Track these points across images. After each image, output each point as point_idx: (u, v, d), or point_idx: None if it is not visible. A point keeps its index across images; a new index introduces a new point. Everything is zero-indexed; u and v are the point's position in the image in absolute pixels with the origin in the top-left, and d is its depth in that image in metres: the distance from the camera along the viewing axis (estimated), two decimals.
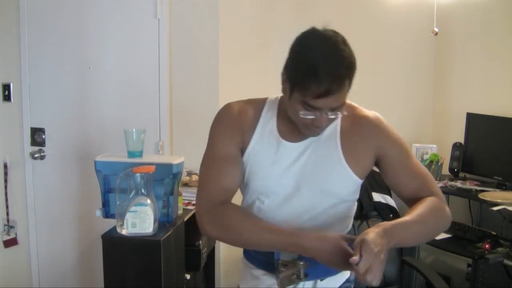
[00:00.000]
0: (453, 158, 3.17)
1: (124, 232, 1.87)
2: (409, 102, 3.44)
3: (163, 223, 2.02)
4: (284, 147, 1.38)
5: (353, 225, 1.52)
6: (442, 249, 2.86)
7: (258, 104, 1.45)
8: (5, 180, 2.92)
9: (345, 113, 1.30)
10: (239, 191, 1.47)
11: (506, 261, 2.50)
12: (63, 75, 2.91)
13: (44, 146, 2.96)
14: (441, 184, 2.98)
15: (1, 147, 2.93)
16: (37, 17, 2.87)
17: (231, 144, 1.39)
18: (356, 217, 1.53)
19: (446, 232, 2.77)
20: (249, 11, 2.99)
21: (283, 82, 1.31)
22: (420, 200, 1.36)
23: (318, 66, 1.19)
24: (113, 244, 1.93)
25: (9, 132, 2.96)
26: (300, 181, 1.37)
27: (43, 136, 2.95)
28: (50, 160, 2.97)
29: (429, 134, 3.49)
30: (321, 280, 1.42)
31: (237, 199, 1.43)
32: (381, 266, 1.13)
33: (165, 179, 2.02)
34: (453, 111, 3.34)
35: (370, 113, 1.43)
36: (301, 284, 1.34)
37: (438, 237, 2.55)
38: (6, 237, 2.94)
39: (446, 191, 2.93)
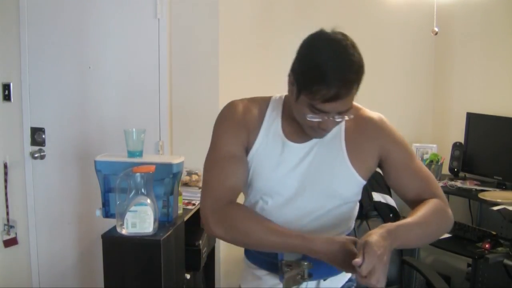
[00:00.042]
0: (453, 158, 3.17)
1: (124, 232, 1.87)
2: (409, 102, 3.44)
3: (163, 223, 2.02)
4: (289, 147, 1.37)
5: None
6: (442, 249, 2.86)
7: (262, 103, 1.43)
8: (5, 180, 2.92)
9: (352, 116, 1.29)
10: None
11: (506, 261, 2.50)
12: (63, 75, 2.91)
13: (44, 146, 2.96)
14: (441, 184, 2.98)
15: (1, 147, 2.93)
16: (37, 17, 2.87)
17: (236, 143, 1.38)
18: (356, 217, 1.53)
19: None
20: (249, 11, 2.99)
21: (290, 84, 1.30)
22: (423, 202, 1.36)
23: (328, 71, 1.18)
24: (113, 244, 1.93)
25: (9, 132, 2.96)
26: (305, 183, 1.37)
27: (43, 136, 2.95)
28: (50, 160, 2.97)
29: (429, 134, 3.49)
30: (324, 280, 1.42)
31: (238, 198, 1.43)
32: (385, 268, 1.13)
33: (165, 179, 2.02)
34: (453, 111, 3.34)
35: (374, 114, 1.43)
36: (304, 284, 1.34)
37: None
38: (6, 237, 2.94)
39: (446, 191, 2.93)
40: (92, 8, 2.84)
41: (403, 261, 2.45)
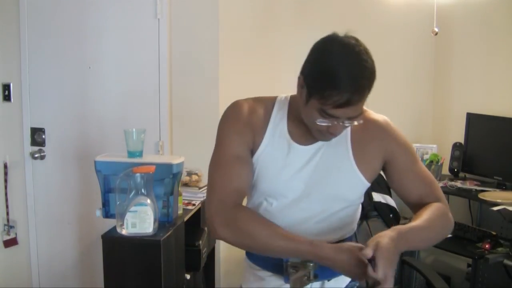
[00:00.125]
0: (453, 158, 3.17)
1: (124, 232, 1.87)
2: (409, 102, 3.44)
3: (163, 223, 2.01)
4: (294, 150, 1.36)
5: None
6: (442, 249, 2.86)
7: (267, 104, 1.41)
8: (5, 180, 2.92)
9: (361, 121, 1.27)
10: None
11: (506, 261, 2.50)
12: (63, 75, 2.91)
13: (44, 146, 2.96)
14: (441, 184, 2.98)
15: (1, 147, 2.93)
16: (37, 17, 2.87)
17: (242, 143, 1.36)
18: None
19: None
20: (249, 11, 2.99)
21: (299, 86, 1.28)
22: (426, 205, 1.37)
23: (340, 77, 1.17)
24: (113, 244, 1.93)
25: (9, 132, 2.96)
26: (310, 185, 1.36)
27: (43, 136, 2.95)
28: (50, 160, 2.97)
29: (429, 134, 3.49)
30: (328, 280, 1.42)
31: None
32: (393, 270, 1.15)
33: (165, 179, 2.01)
34: (453, 111, 3.34)
35: (379, 116, 1.43)
36: (309, 285, 1.34)
37: None
38: (6, 237, 2.94)
39: (446, 191, 2.93)
40: (92, 8, 2.84)
41: (403, 261, 2.45)
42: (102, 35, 2.86)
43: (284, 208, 1.38)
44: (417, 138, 3.36)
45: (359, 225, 2.72)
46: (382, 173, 1.46)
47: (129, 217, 1.84)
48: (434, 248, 2.97)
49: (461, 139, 3.16)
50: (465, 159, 3.13)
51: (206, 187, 2.49)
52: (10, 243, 2.96)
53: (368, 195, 2.70)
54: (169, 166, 2.02)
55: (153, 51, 2.82)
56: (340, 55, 1.20)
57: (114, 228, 1.91)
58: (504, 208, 2.57)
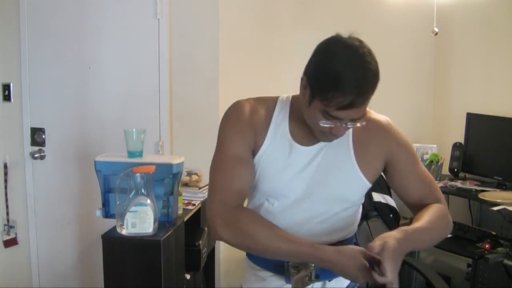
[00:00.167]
0: (453, 158, 3.17)
1: (124, 232, 1.87)
2: (409, 102, 3.44)
3: (163, 223, 2.01)
4: (296, 150, 1.36)
5: None
6: (442, 249, 2.86)
7: (269, 104, 1.41)
8: (5, 180, 2.92)
9: (364, 123, 1.27)
10: None
11: (506, 261, 2.50)
12: (63, 75, 2.91)
13: (44, 146, 2.96)
14: (441, 184, 2.98)
15: (1, 147, 2.93)
16: (37, 17, 2.87)
17: (243, 144, 1.35)
18: None
19: None
20: (249, 10, 2.99)
21: (302, 87, 1.27)
22: (427, 206, 1.38)
23: (344, 79, 1.17)
24: (113, 244, 1.92)
25: (9, 132, 2.96)
26: (312, 186, 1.36)
27: (43, 136, 2.95)
28: (50, 160, 2.97)
29: (429, 134, 3.49)
30: (329, 281, 1.42)
31: None
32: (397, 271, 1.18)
33: (165, 179, 2.01)
34: (453, 111, 3.34)
35: (381, 117, 1.43)
36: (310, 285, 1.34)
37: None
38: (6, 237, 2.94)
39: (446, 191, 2.93)
40: (92, 8, 2.84)
41: (403, 261, 2.45)
42: (102, 35, 2.86)
43: (285, 209, 1.38)
44: (417, 138, 3.36)
45: (359, 225, 2.71)
46: (382, 173, 1.46)
47: (129, 217, 1.84)
48: (434, 248, 2.97)
49: (461, 139, 3.16)
50: (465, 159, 3.13)
51: (206, 187, 2.50)
52: (10, 243, 2.96)
53: (368, 195, 2.69)
54: (169, 166, 2.02)
55: (153, 51, 2.82)
56: (344, 57, 1.19)
57: (114, 228, 1.91)
58: (504, 208, 2.57)
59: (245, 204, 1.44)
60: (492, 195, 2.77)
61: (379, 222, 2.61)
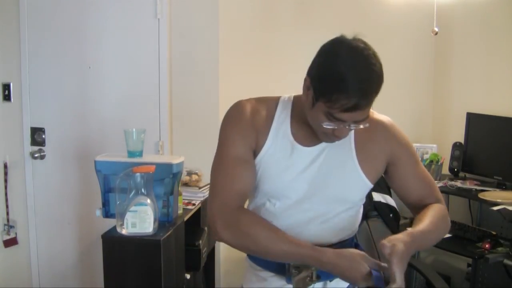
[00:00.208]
0: (453, 158, 3.17)
1: (124, 232, 1.87)
2: (409, 102, 3.44)
3: (163, 223, 2.02)
4: (298, 151, 1.35)
5: None
6: (442, 249, 2.85)
7: (270, 104, 1.40)
8: (5, 180, 2.92)
9: (367, 125, 1.26)
10: None
11: (506, 261, 2.50)
12: (63, 75, 2.91)
13: (44, 146, 2.96)
14: (441, 184, 2.98)
15: (1, 147, 2.93)
16: (37, 17, 2.87)
17: (244, 145, 1.35)
18: None
19: None
20: (249, 11, 2.99)
21: (305, 88, 1.26)
22: (428, 206, 1.39)
23: (349, 81, 1.16)
24: (113, 244, 1.93)
25: (9, 132, 2.96)
26: (314, 186, 1.35)
27: (43, 136, 2.95)
28: (50, 160, 2.97)
29: (429, 134, 3.49)
30: (330, 281, 1.42)
31: None
32: None
33: (165, 179, 2.02)
34: (453, 111, 3.34)
35: (384, 118, 1.42)
36: (311, 285, 1.34)
37: None
38: (6, 237, 2.94)
39: (446, 191, 2.93)
40: (92, 8, 2.84)
41: None
42: (102, 35, 2.86)
43: (287, 209, 1.37)
44: (417, 138, 3.36)
45: (359, 225, 2.72)
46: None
47: (129, 217, 1.85)
48: (434, 248, 2.97)
49: (461, 139, 3.16)
50: (465, 159, 3.13)
51: (206, 187, 2.51)
52: (10, 243, 2.96)
53: (368, 195, 2.69)
54: (169, 166, 2.02)
55: (153, 51, 2.82)
56: (348, 59, 1.18)
57: (114, 228, 1.92)
58: (504, 208, 2.57)
59: (246, 204, 1.44)
60: (492, 195, 2.77)
61: (379, 222, 2.61)
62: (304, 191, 1.36)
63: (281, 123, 1.37)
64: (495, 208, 2.60)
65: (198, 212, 2.39)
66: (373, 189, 2.81)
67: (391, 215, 2.75)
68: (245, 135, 1.35)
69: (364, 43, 1.23)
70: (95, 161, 2.07)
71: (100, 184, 2.07)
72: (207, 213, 1.35)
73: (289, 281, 1.34)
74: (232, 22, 2.89)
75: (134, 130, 2.08)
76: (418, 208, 1.41)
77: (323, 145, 1.35)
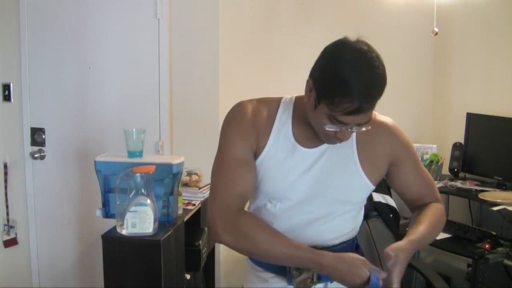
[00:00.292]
0: (453, 158, 3.17)
1: (124, 232, 1.87)
2: (409, 102, 3.44)
3: (163, 223, 2.02)
4: (299, 152, 1.35)
5: None
6: (442, 249, 2.85)
7: (272, 105, 1.39)
8: (5, 180, 2.92)
9: (370, 127, 1.26)
10: None
11: (506, 261, 2.50)
12: (63, 75, 2.91)
13: (44, 146, 2.96)
14: (441, 184, 2.98)
15: (1, 147, 2.93)
16: (37, 17, 2.87)
17: (245, 146, 1.34)
18: None
19: (446, 232, 2.78)
20: (249, 11, 2.99)
21: (308, 89, 1.26)
22: (427, 205, 1.41)
23: (352, 84, 1.15)
24: (113, 244, 1.93)
25: (9, 132, 2.96)
26: (315, 188, 1.35)
27: (43, 136, 2.95)
28: (50, 160, 2.97)
29: (429, 134, 3.49)
30: (331, 282, 1.41)
31: None
32: None
33: (165, 179, 2.01)
34: (453, 111, 3.34)
35: (386, 119, 1.42)
36: (312, 287, 1.34)
37: (438, 237, 2.53)
38: (6, 237, 2.94)
39: (446, 191, 2.93)
40: (92, 8, 2.84)
41: None
42: (102, 35, 2.86)
43: (288, 210, 1.37)
44: (417, 138, 3.36)
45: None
46: None
47: (129, 217, 1.85)
48: (434, 248, 2.96)
49: (461, 139, 3.16)
50: (465, 159, 3.13)
51: (206, 187, 2.51)
52: (10, 243, 2.96)
53: (368, 195, 2.70)
54: (169, 166, 2.02)
55: (153, 51, 2.82)
56: (352, 62, 1.18)
57: (114, 228, 1.92)
58: (504, 208, 2.56)
59: (247, 205, 1.44)
60: (492, 195, 2.77)
61: (379, 222, 2.61)
62: (305, 192, 1.35)
63: (283, 124, 1.36)
64: (495, 208, 2.60)
65: (198, 212, 2.39)
66: (373, 190, 2.81)
67: (391, 215, 2.75)
68: (246, 136, 1.34)
69: (368, 45, 1.22)
70: (95, 161, 2.07)
71: (100, 184, 2.07)
72: (207, 215, 1.35)
73: (290, 282, 1.34)
74: (232, 22, 2.89)
75: (134, 130, 2.08)
76: (417, 206, 1.44)
77: (324, 146, 1.35)
